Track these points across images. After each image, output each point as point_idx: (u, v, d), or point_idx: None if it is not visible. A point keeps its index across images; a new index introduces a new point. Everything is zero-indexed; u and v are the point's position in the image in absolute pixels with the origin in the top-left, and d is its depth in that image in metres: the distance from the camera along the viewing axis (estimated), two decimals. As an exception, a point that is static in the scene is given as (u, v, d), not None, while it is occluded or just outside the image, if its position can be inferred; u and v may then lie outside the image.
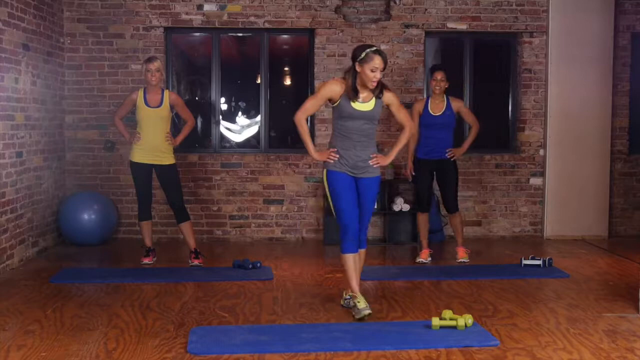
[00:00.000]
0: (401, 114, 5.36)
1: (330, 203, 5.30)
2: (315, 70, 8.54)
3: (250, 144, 8.85)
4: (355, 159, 5.16)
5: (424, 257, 7.22)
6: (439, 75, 7.13)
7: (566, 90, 8.62)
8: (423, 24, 8.59)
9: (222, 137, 8.75)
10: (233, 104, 8.92)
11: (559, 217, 8.68)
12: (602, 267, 7.05)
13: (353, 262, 5.21)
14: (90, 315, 5.13)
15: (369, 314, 5.00)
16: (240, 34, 8.76)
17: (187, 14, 8.42)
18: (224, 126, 8.76)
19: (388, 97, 5.23)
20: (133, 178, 7.03)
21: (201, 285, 6.10)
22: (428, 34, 8.66)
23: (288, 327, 4.90)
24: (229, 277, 6.38)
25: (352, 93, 5.05)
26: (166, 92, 7.02)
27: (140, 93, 6.96)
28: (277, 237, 8.56)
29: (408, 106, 8.54)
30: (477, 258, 7.36)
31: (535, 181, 8.74)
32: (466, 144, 7.36)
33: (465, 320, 4.75)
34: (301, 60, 8.89)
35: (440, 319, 4.80)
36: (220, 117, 8.66)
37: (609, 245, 8.24)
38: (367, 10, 8.55)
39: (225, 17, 8.45)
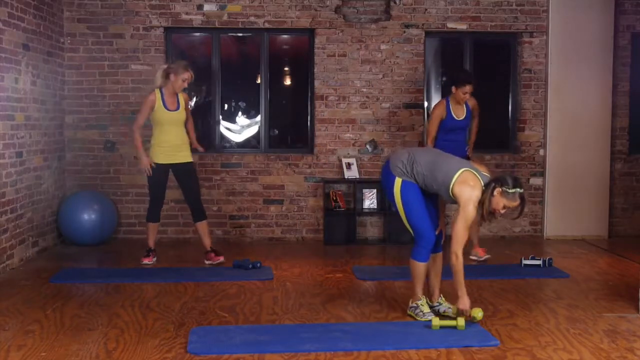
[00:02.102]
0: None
1: (403, 213, 5.04)
2: (315, 70, 8.54)
3: (250, 144, 8.85)
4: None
5: (482, 253, 7.27)
6: (469, 88, 7.07)
7: (566, 90, 8.62)
8: (423, 24, 8.59)
9: (222, 137, 8.75)
10: (233, 104, 8.91)
11: (559, 217, 8.68)
12: (602, 267, 7.05)
13: (425, 270, 5.09)
14: (90, 315, 5.14)
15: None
16: (240, 34, 8.76)
17: (187, 14, 8.42)
18: (224, 126, 8.76)
19: None
20: (149, 178, 6.98)
21: (201, 285, 6.10)
22: (428, 34, 8.66)
23: (288, 327, 4.91)
24: (229, 277, 6.38)
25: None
26: (180, 95, 6.96)
27: (158, 95, 6.84)
28: (277, 237, 8.56)
29: (412, 106, 8.57)
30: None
31: (535, 181, 8.74)
32: (472, 141, 7.48)
33: (475, 313, 4.76)
34: (301, 60, 8.89)
35: (441, 318, 4.82)
36: (220, 117, 8.66)
37: (609, 245, 8.24)
38: (367, 10, 8.55)
39: (225, 17, 8.45)
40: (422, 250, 5.03)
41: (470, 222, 4.80)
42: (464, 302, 4.82)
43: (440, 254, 5.23)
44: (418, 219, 4.99)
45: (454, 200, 4.86)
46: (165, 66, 7.01)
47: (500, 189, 4.74)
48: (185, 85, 6.85)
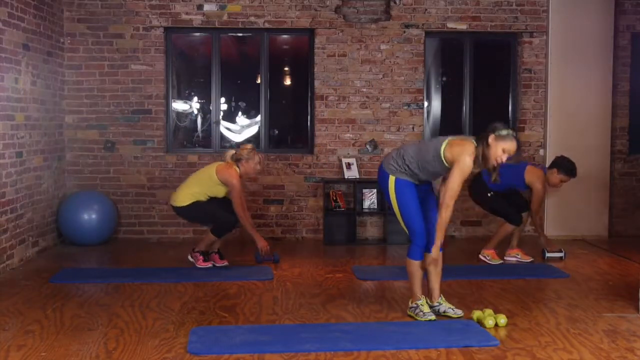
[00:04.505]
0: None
1: (397, 211, 5.10)
2: (315, 70, 8.54)
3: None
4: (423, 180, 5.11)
5: (526, 257, 7.27)
6: (567, 180, 7.07)
7: (566, 90, 8.62)
8: (423, 24, 8.59)
9: (222, 137, 8.75)
10: (233, 104, 8.92)
11: (559, 217, 8.68)
12: (602, 267, 7.05)
13: (420, 268, 5.12)
14: (90, 315, 5.13)
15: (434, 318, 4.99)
16: (240, 34, 8.76)
17: (187, 14, 8.42)
18: (224, 126, 8.76)
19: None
20: (195, 212, 6.79)
21: (201, 285, 6.10)
22: (428, 34, 8.66)
23: (288, 327, 4.90)
24: (229, 277, 6.38)
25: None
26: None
27: (238, 174, 6.69)
28: (277, 237, 8.55)
29: (411, 105, 8.58)
30: (477, 258, 7.35)
31: (535, 181, 8.73)
32: None
33: (497, 320, 4.85)
34: (301, 60, 8.89)
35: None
36: (221, 117, 8.66)
37: (609, 245, 8.24)
38: (367, 10, 8.55)
39: (225, 17, 8.45)
40: (416, 248, 5.08)
41: (466, 175, 4.82)
42: (436, 245, 4.96)
43: (440, 254, 5.22)
44: (411, 216, 5.04)
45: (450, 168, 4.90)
46: (232, 152, 6.85)
47: (494, 135, 4.81)
48: (259, 169, 6.79)
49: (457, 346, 4.40)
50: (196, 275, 6.51)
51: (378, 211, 8.47)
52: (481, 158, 4.86)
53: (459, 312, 5.15)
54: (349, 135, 8.58)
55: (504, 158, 4.85)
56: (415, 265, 5.10)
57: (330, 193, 8.41)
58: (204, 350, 4.31)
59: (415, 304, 5.10)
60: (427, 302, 5.14)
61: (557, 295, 5.83)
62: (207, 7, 8.42)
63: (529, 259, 7.22)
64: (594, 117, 8.67)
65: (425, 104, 8.80)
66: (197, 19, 8.43)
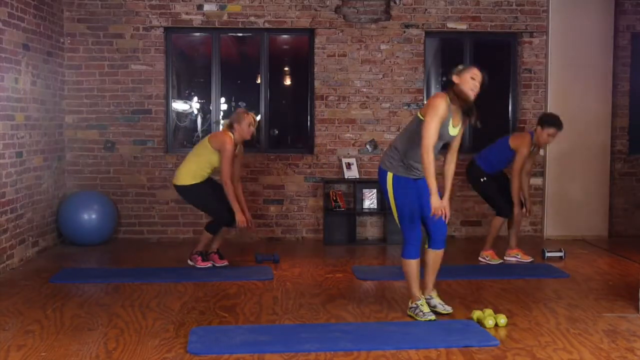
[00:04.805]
0: (457, 144, 5.19)
1: (394, 207, 5.13)
2: (315, 70, 8.54)
3: (251, 144, 8.84)
4: (421, 170, 5.10)
5: (526, 257, 7.25)
6: (556, 133, 7.02)
7: (566, 90, 8.62)
8: (423, 24, 8.59)
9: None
10: (233, 104, 8.92)
11: (559, 217, 8.68)
12: (602, 267, 7.05)
13: (417, 267, 5.13)
14: (90, 315, 5.14)
15: (435, 318, 4.99)
16: (240, 34, 8.76)
17: (187, 14, 8.42)
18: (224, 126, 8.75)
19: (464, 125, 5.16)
20: (202, 195, 6.75)
21: (201, 285, 6.10)
22: (428, 34, 8.66)
23: (288, 327, 4.90)
24: (229, 277, 6.38)
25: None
26: (240, 145, 6.80)
27: (233, 141, 6.62)
28: (277, 237, 8.56)
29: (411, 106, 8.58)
30: (477, 258, 7.35)
31: (535, 181, 8.73)
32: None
33: (497, 320, 4.85)
34: (301, 60, 8.89)
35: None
36: (221, 117, 8.66)
37: (609, 245, 8.24)
38: (367, 10, 8.55)
39: (225, 17, 8.45)
40: (410, 247, 5.10)
41: (440, 114, 4.87)
42: (434, 200, 4.87)
43: (441, 251, 5.25)
44: (406, 214, 5.07)
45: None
46: (225, 121, 6.86)
47: (455, 74, 4.97)
48: (253, 130, 6.67)
49: (457, 346, 4.40)
50: (196, 275, 6.51)
51: (378, 211, 8.47)
52: (457, 98, 4.94)
53: (448, 309, 5.19)
54: (349, 135, 8.58)
55: (477, 83, 4.94)
56: (411, 265, 5.11)
57: (330, 193, 8.41)
58: (204, 350, 4.31)
59: (415, 304, 5.11)
60: (426, 302, 5.15)
61: (557, 295, 5.83)
62: (207, 7, 8.42)
63: (529, 259, 7.22)
64: (594, 117, 8.67)
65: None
66: (197, 19, 8.43)
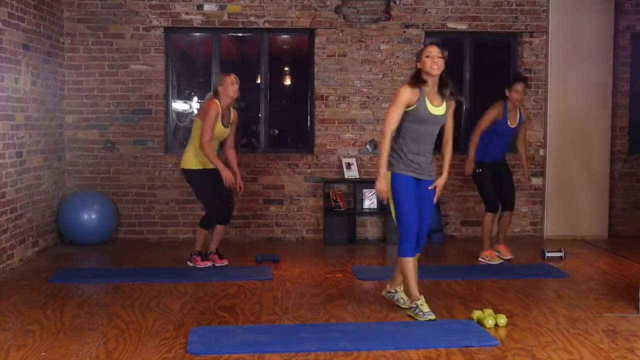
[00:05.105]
0: (449, 124, 5.29)
1: (392, 205, 5.19)
2: (315, 70, 8.54)
3: (251, 144, 8.86)
4: (424, 162, 5.15)
5: (507, 253, 7.29)
6: (520, 87, 7.06)
7: (566, 90, 8.62)
8: (423, 24, 8.59)
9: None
10: (233, 104, 8.89)
11: (559, 217, 8.68)
12: (602, 267, 7.05)
13: (413, 266, 5.18)
14: (90, 315, 5.14)
15: (434, 318, 5.01)
16: (240, 34, 8.76)
17: (187, 14, 8.42)
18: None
19: (452, 103, 5.23)
20: (200, 185, 6.74)
21: (201, 285, 6.10)
22: (428, 34, 8.66)
23: (288, 327, 4.90)
24: (229, 277, 6.38)
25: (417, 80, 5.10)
26: (232, 112, 6.82)
27: (219, 107, 6.64)
28: (277, 237, 8.56)
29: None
30: (477, 258, 7.35)
31: (535, 181, 8.73)
32: (527, 158, 7.53)
33: (497, 320, 4.86)
34: (301, 60, 8.89)
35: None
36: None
37: (609, 245, 8.24)
38: (367, 10, 8.55)
39: (225, 17, 8.45)
40: (407, 245, 5.13)
41: (401, 105, 5.02)
42: (380, 183, 5.07)
43: (417, 255, 5.30)
44: (404, 211, 5.11)
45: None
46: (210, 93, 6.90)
47: (416, 61, 5.18)
48: (236, 86, 6.69)
49: (457, 346, 4.40)
50: (196, 275, 6.51)
51: (378, 211, 8.47)
52: (418, 80, 5.08)
53: (408, 304, 5.23)
54: (349, 135, 8.58)
55: (434, 60, 5.06)
56: (408, 263, 5.14)
57: (330, 193, 8.41)
58: (204, 350, 4.31)
59: (415, 304, 5.11)
60: (425, 302, 5.15)
61: (557, 295, 5.83)
62: (207, 7, 8.42)
63: (497, 261, 7.17)
64: (594, 117, 8.67)
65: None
66: (197, 19, 8.43)
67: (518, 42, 8.78)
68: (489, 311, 4.98)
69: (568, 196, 8.65)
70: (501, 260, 7.20)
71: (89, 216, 7.85)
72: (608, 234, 8.74)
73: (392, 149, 5.15)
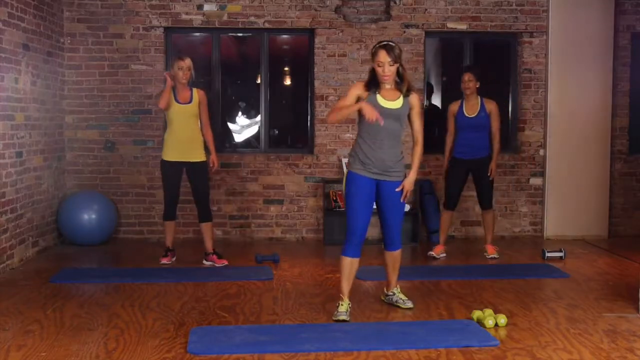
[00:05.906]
0: (417, 124, 5.26)
1: (345, 203, 5.26)
2: (315, 70, 8.54)
3: (251, 144, 8.86)
4: (383, 160, 5.10)
5: (437, 252, 7.36)
6: (466, 77, 7.23)
7: (566, 90, 8.62)
8: (423, 24, 8.59)
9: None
10: (233, 104, 8.91)
11: (559, 217, 8.68)
12: (602, 267, 7.05)
13: (350, 266, 5.20)
14: (90, 315, 5.14)
15: (343, 320, 5.00)
16: (240, 34, 8.76)
17: (187, 14, 8.42)
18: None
19: (414, 98, 5.21)
20: (163, 177, 6.99)
21: (201, 285, 6.10)
22: (428, 34, 8.66)
23: (288, 327, 4.91)
24: (229, 277, 6.38)
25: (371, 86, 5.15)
26: (195, 90, 6.96)
27: (171, 83, 6.86)
28: (277, 237, 8.56)
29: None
30: (477, 258, 7.35)
31: (535, 181, 8.74)
32: (495, 158, 7.39)
33: (497, 320, 4.86)
34: (301, 60, 8.89)
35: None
36: (220, 116, 8.66)
37: (609, 245, 8.23)
38: (367, 10, 8.55)
39: (225, 17, 8.45)
40: (347, 245, 5.18)
41: (349, 98, 5.13)
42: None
43: (398, 252, 5.41)
44: (350, 210, 5.14)
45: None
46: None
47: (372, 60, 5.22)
48: (185, 75, 6.81)
49: (457, 346, 4.41)
50: (196, 275, 6.52)
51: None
52: (376, 79, 5.16)
53: (409, 304, 5.32)
54: (349, 135, 8.57)
55: (385, 69, 5.09)
56: (345, 262, 5.17)
57: (330, 193, 8.41)
58: (204, 350, 4.31)
59: (338, 302, 5.16)
60: (348, 304, 5.15)
61: (557, 295, 5.83)
62: (207, 7, 8.42)
63: (441, 255, 7.33)
64: (594, 117, 8.66)
65: (426, 103, 8.80)
66: (197, 19, 8.43)
67: (518, 42, 8.78)
68: (489, 311, 4.98)
69: (568, 196, 8.65)
70: (438, 258, 7.30)
71: (89, 216, 7.85)
72: (608, 234, 8.74)
73: (352, 147, 5.24)
